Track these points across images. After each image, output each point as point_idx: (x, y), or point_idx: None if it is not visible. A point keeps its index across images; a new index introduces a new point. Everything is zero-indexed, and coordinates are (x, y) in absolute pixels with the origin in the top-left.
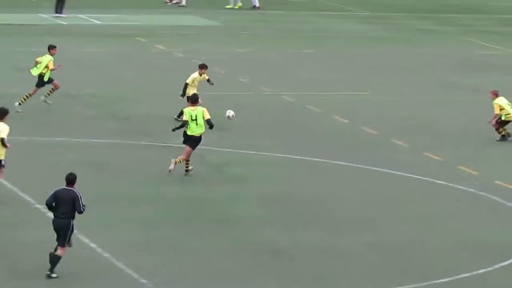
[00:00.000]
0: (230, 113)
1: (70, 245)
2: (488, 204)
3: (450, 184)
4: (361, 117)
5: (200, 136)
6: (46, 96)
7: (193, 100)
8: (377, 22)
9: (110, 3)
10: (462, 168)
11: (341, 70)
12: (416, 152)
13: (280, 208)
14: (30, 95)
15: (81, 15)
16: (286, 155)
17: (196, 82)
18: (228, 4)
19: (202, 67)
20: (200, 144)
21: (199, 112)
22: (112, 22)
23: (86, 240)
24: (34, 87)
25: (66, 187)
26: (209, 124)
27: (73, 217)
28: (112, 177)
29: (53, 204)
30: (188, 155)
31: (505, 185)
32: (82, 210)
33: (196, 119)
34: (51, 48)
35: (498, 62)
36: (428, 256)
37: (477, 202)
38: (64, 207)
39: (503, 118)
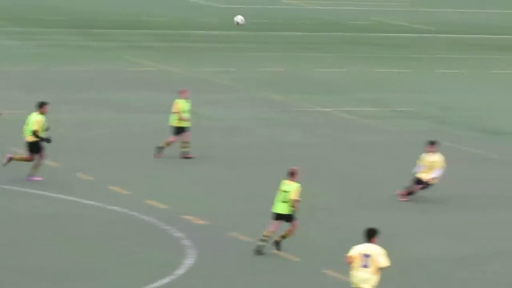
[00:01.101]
0: (239, 19)
1: None
2: (139, 224)
3: (101, 205)
4: (12, 137)
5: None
6: None
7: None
8: (30, 38)
9: None
10: (113, 188)
11: None
12: (68, 173)
13: None
14: None
15: None
16: None
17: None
18: None
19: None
20: None
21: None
22: None
23: None
24: None
25: None
26: None
27: None
28: None
29: None
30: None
31: (156, 204)
32: None
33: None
34: None
35: (150, 79)
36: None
37: (129, 223)
38: None
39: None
